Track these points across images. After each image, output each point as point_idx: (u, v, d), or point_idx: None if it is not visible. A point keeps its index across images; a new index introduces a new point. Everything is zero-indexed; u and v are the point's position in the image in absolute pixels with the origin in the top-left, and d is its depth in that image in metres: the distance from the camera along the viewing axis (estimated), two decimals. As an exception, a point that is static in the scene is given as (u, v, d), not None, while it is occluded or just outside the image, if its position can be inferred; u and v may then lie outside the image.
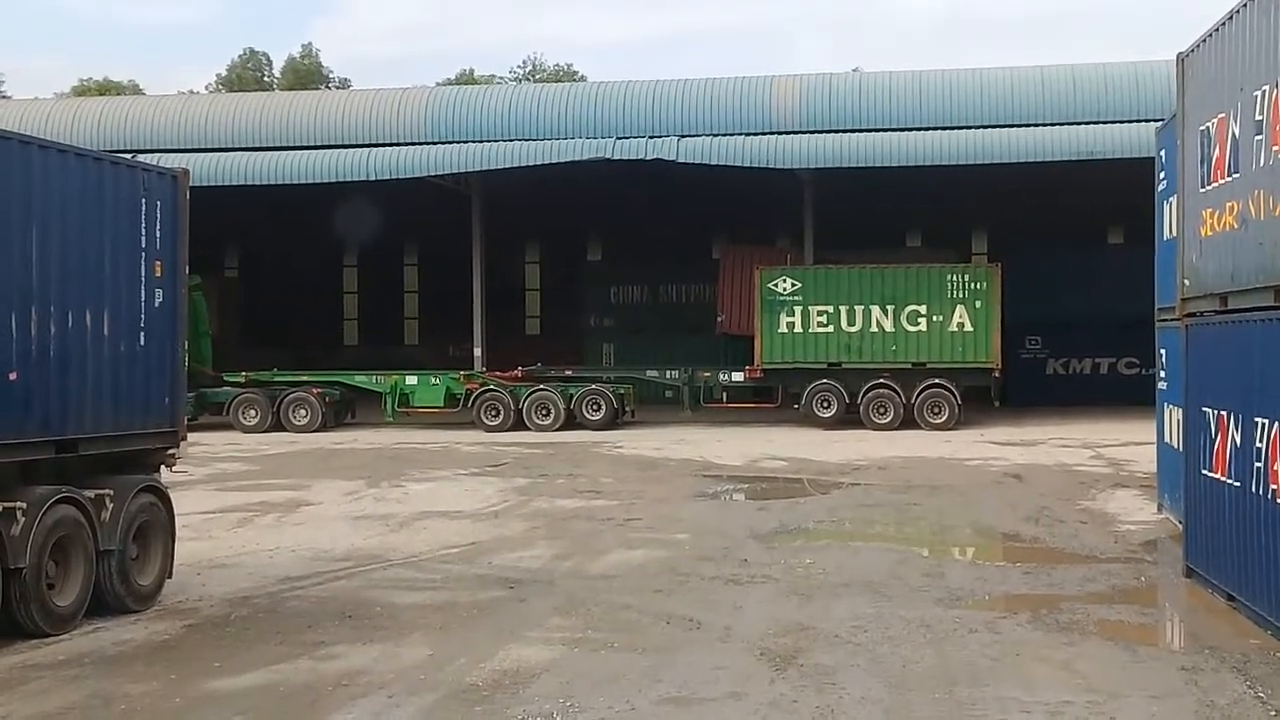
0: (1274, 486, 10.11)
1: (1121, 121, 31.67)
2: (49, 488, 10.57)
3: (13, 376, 10.19)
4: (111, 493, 11.23)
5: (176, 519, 12.40)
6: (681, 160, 33.09)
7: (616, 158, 33.21)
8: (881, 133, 33.10)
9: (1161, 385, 16.07)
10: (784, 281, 32.67)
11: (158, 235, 12.00)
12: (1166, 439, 15.69)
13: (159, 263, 12.00)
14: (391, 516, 17.62)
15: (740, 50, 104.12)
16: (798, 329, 32.49)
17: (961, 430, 30.72)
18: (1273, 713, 8.41)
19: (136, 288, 11.74)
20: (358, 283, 52.55)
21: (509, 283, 45.53)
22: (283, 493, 20.44)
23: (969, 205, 41.28)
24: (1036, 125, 32.59)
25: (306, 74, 72.20)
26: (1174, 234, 13.94)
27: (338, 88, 68.39)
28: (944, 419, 31.36)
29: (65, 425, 10.82)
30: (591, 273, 45.48)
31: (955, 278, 32.23)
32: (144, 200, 11.85)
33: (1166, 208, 15.32)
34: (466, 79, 69.93)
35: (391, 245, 49.64)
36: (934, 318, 32.03)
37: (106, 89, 67.07)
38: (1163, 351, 15.87)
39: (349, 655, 9.98)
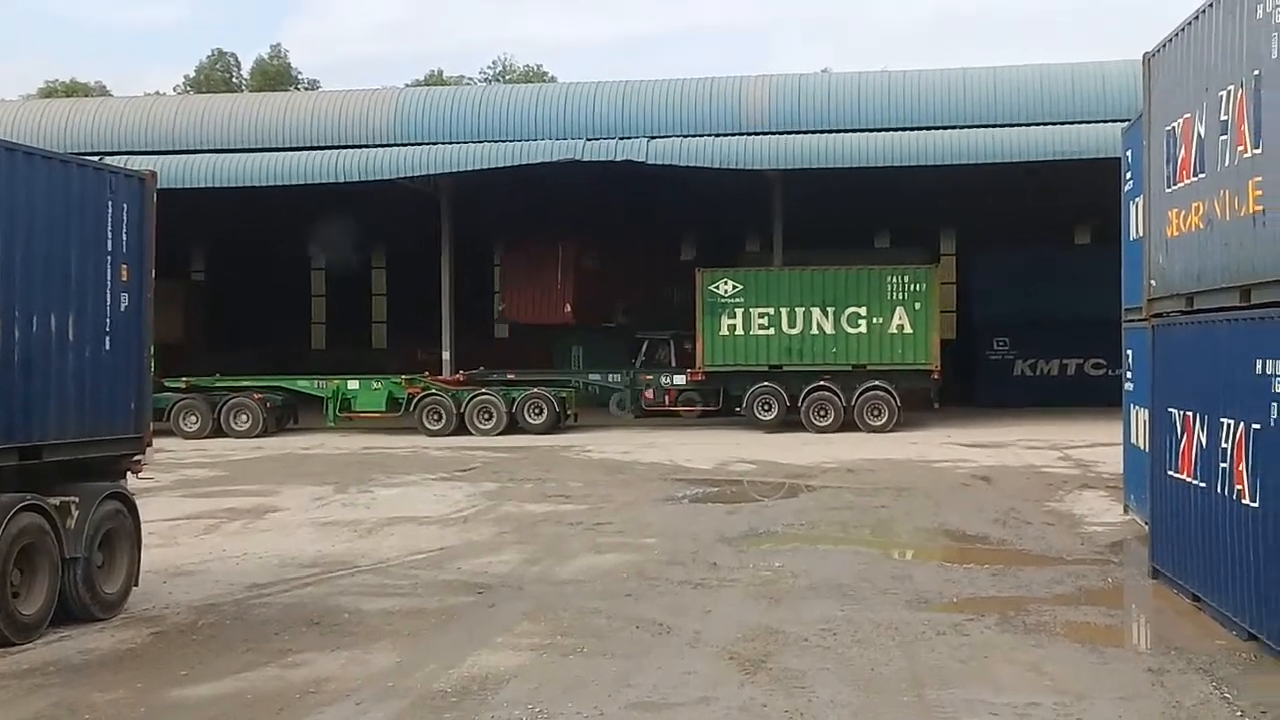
0: (1239, 487, 10.19)
1: (1090, 122, 31.79)
2: (13, 495, 10.48)
3: (-25, 382, 10.11)
4: (77, 500, 11.16)
5: (143, 526, 12.32)
6: (651, 161, 33.09)
7: (586, 159, 33.18)
8: (850, 133, 33.16)
9: (1128, 386, 16.16)
10: (725, 284, 32.66)
11: (124, 238, 11.92)
12: (1133, 440, 15.77)
13: (125, 266, 11.92)
14: (359, 522, 17.56)
15: (722, 52, 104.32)
16: (739, 331, 32.52)
17: (924, 431, 30.81)
18: (1239, 713, 8.48)
19: (102, 292, 11.66)
20: (325, 286, 52.38)
21: (479, 285, 45.45)
22: (250, 498, 20.32)
23: (937, 205, 41.43)
24: (1005, 126, 32.68)
25: (275, 75, 71.83)
26: (1140, 234, 14.01)
27: (306, 89, 68.06)
28: (883, 421, 31.45)
29: (30, 431, 10.74)
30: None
31: (895, 279, 32.25)
32: (110, 203, 11.77)
33: (1133, 208, 15.40)
34: (436, 80, 69.74)
35: (360, 248, 49.48)
36: (874, 320, 32.06)
37: (74, 90, 66.62)
38: (1129, 352, 15.96)
39: (317, 662, 9.94)
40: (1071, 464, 24.01)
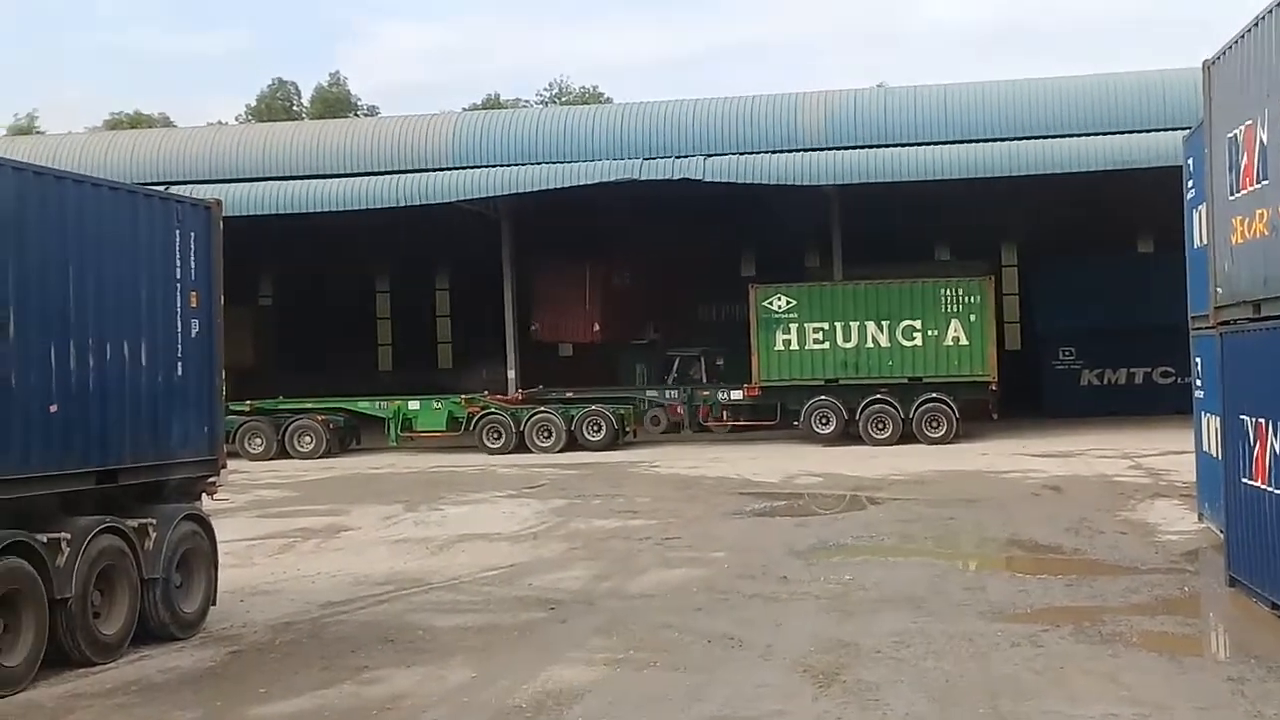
0: (1316, 493, 10.03)
1: (1150, 130, 31.52)
2: (92, 518, 10.65)
3: (53, 409, 10.28)
4: (154, 522, 11.30)
5: (219, 546, 12.46)
6: (708, 179, 33.13)
7: (644, 178, 33.27)
8: (907, 147, 33.07)
9: (1198, 394, 15.95)
10: (779, 299, 32.53)
11: (192, 266, 12.09)
12: (1205, 448, 15.57)
13: (194, 293, 12.09)
14: (430, 540, 17.66)
15: (773, 67, 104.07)
16: (794, 346, 32.36)
17: (991, 442, 30.55)
18: (1322, 721, 8.33)
19: (173, 318, 11.83)
20: (390, 308, 52.75)
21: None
22: (322, 518, 20.50)
23: (998, 217, 41.15)
24: (1064, 136, 32.47)
25: (335, 102, 72.61)
26: (1204, 242, 13.85)
27: (366, 115, 68.71)
28: (942, 433, 31.18)
29: (105, 456, 10.92)
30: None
31: (949, 292, 31.99)
32: (178, 231, 11.95)
33: (1196, 216, 15.23)
34: (493, 104, 70.21)
35: (423, 270, 49.80)
36: (929, 332, 31.82)
37: (138, 122, 67.61)
38: (1198, 360, 15.77)
39: (392, 679, 10.00)
40: (1143, 472, 23.72)
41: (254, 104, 75.16)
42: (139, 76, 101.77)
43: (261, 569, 15.46)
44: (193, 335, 12.09)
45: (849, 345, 32.17)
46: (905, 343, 31.96)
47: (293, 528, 19.35)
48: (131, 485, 11.32)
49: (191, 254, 12.09)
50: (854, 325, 32.15)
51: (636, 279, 40.11)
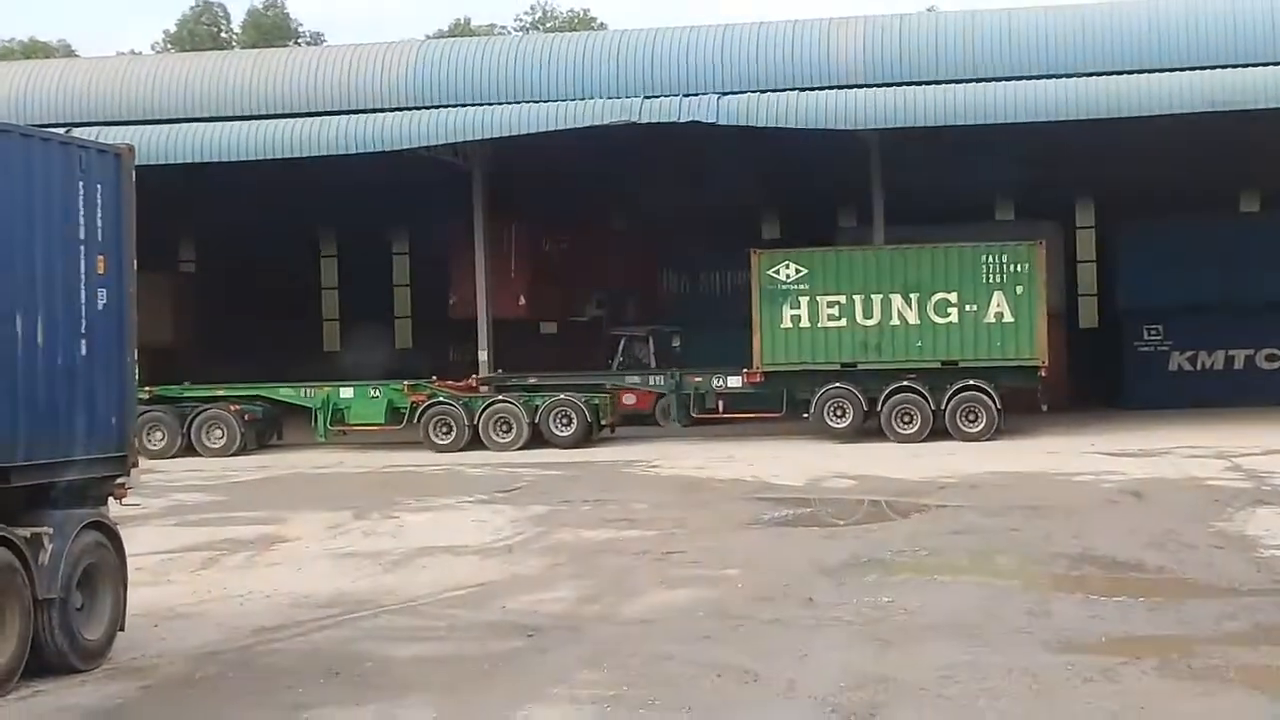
0: None
1: (1255, 65, 31.46)
2: (-26, 527, 10.64)
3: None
4: (50, 531, 11.26)
5: (129, 560, 12.44)
6: (723, 122, 33.02)
7: (645, 120, 33.18)
8: (963, 84, 32.95)
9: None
10: (786, 267, 32.35)
11: (99, 225, 12.04)
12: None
13: (102, 257, 12.04)
14: (384, 553, 17.67)
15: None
16: (804, 324, 32.21)
17: (1061, 438, 30.63)
18: None
19: (76, 287, 11.79)
20: (338, 276, 52.77)
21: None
22: (254, 527, 20.51)
23: (1072, 169, 41.11)
24: (1151, 71, 32.36)
25: (271, 29, 72.57)
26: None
27: (309, 44, 68.67)
28: (980, 427, 31.16)
29: (-8, 451, 10.90)
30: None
31: (991, 259, 31.83)
32: (81, 183, 11.89)
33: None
34: (463, 30, 70.16)
35: (377, 231, 49.81)
36: (967, 307, 31.75)
37: (33, 51, 67.60)
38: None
39: (337, 719, 10.00)
40: (1242, 475, 23.77)
41: (174, 30, 75.17)
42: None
43: (180, 588, 15.44)
44: (99, 307, 12.05)
45: (870, 323, 32.07)
46: (938, 320, 31.90)
47: (218, 538, 19.33)
48: (23, 487, 11.28)
49: (98, 210, 12.04)
50: (876, 299, 32.02)
51: (583, 243, 40.66)
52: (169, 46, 71.98)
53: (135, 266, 12.56)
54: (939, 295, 31.88)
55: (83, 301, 11.87)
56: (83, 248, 11.88)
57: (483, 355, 36.18)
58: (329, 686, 10.94)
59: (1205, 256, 38.08)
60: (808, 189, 42.15)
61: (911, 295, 31.94)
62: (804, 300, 32.25)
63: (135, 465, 12.71)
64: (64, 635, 11.31)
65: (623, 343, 36.64)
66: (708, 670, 11.18)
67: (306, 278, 51.78)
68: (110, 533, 12.13)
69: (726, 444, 31.59)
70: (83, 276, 11.86)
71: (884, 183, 35.18)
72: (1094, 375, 40.58)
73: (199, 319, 44.47)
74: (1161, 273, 38.38)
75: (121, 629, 12.15)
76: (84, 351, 11.87)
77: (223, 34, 74.53)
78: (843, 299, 32.12)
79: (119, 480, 12.51)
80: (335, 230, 50.28)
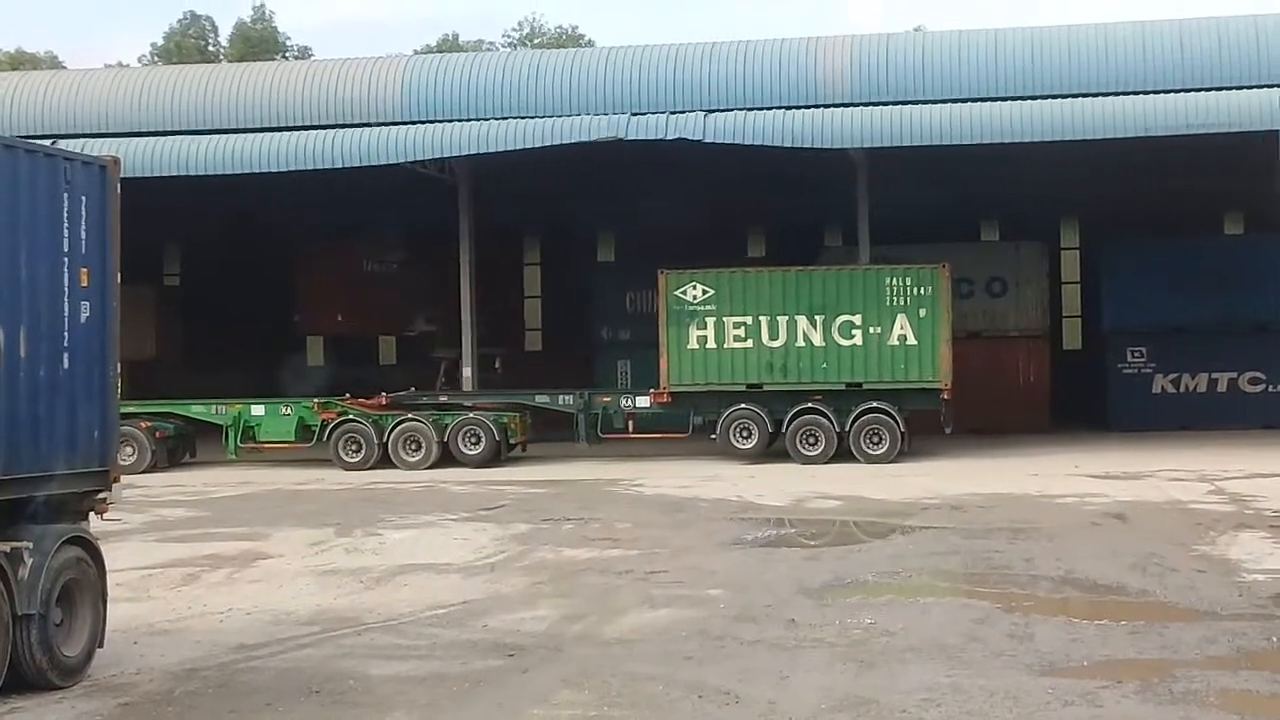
0: None
1: (1240, 87, 31.55)
2: (-46, 541, 10.60)
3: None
4: (30, 546, 11.23)
5: (109, 576, 12.42)
6: (709, 140, 33.08)
7: (632, 138, 33.23)
8: (950, 104, 33.00)
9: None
10: (693, 288, 32.42)
11: (83, 237, 12.04)
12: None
13: (85, 270, 12.04)
14: (366, 571, 17.63)
15: (789, 5, 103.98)
16: (710, 345, 32.33)
17: (1043, 459, 30.68)
18: None
19: (59, 300, 11.78)
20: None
21: (504, 289, 45.56)
22: (236, 543, 20.48)
23: (1057, 189, 41.18)
24: (1137, 93, 32.43)
25: (259, 42, 72.59)
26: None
27: (296, 58, 68.65)
28: (884, 449, 31.26)
29: (-29, 466, 10.86)
30: (603, 276, 45.46)
31: (895, 281, 31.94)
32: (66, 195, 11.90)
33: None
34: (450, 46, 70.21)
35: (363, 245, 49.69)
36: (870, 330, 31.86)
37: (19, 62, 67.49)
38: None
39: (317, 739, 10.00)
40: (1225, 498, 23.79)
41: (161, 43, 75.12)
42: (21, 6, 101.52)
43: (160, 604, 15.42)
44: (82, 320, 12.05)
45: (776, 344, 32.17)
46: (842, 342, 31.99)
47: (199, 554, 19.30)
48: (2, 501, 11.24)
49: (82, 222, 12.04)
50: (782, 320, 32.14)
51: (421, 265, 41.81)
52: (156, 59, 71.93)
53: (119, 279, 12.55)
54: (843, 317, 31.99)
55: (65, 314, 11.88)
56: (66, 260, 11.89)
57: (466, 370, 36.20)
58: (309, 705, 10.93)
59: (1190, 279, 38.10)
60: (793, 207, 42.17)
61: (817, 317, 32.06)
62: (710, 321, 32.37)
63: (117, 480, 12.69)
64: (43, 651, 11.28)
65: (444, 365, 37.26)
66: (689, 691, 11.18)
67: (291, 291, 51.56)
68: (91, 548, 12.11)
69: (710, 465, 31.45)
70: (66, 289, 11.87)
71: (870, 200, 35.21)
72: (1078, 397, 40.66)
73: (183, 332, 44.37)
74: (1146, 295, 38.44)
75: (101, 645, 12.14)
76: (66, 365, 11.87)
77: (210, 47, 74.52)
78: (749, 320, 32.24)
79: (100, 495, 12.50)
80: (321, 242, 50.16)
